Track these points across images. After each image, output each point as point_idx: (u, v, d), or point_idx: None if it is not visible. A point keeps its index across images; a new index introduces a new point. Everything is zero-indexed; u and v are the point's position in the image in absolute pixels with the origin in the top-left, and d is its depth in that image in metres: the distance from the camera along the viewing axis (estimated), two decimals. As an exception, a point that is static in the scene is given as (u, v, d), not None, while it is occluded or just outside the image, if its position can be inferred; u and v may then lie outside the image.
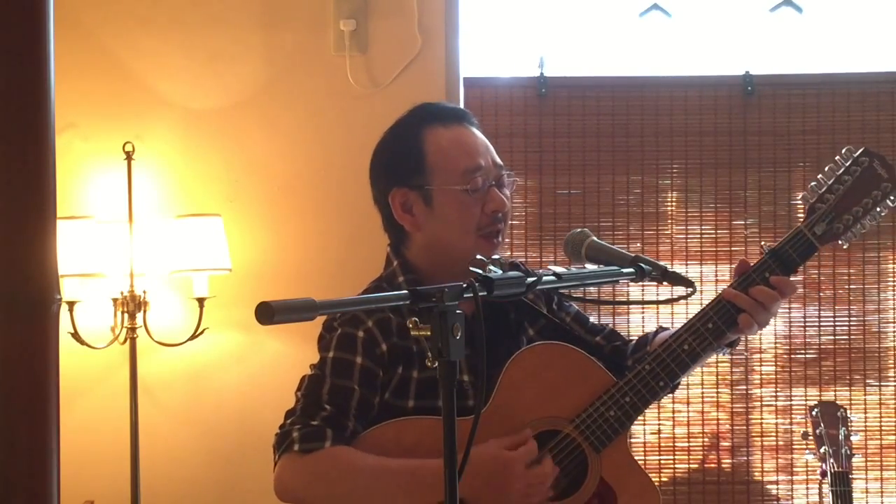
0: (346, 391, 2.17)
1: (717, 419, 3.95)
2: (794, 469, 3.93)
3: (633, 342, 2.46)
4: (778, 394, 3.95)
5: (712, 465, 3.95)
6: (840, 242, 2.28)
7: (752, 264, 2.26)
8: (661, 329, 2.46)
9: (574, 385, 2.23)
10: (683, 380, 2.34)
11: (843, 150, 2.29)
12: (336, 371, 2.18)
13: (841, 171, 2.27)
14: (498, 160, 2.29)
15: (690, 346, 2.23)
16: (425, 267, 2.28)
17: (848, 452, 2.91)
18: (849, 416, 2.99)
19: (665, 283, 2.15)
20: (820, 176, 2.28)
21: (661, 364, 2.23)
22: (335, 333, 2.22)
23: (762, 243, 2.32)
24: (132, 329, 3.60)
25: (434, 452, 1.85)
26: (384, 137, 2.34)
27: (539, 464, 2.16)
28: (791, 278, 2.25)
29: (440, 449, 1.58)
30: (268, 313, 1.43)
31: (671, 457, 3.93)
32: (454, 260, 2.19)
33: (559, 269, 1.93)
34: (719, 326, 2.23)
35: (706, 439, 3.94)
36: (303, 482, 2.13)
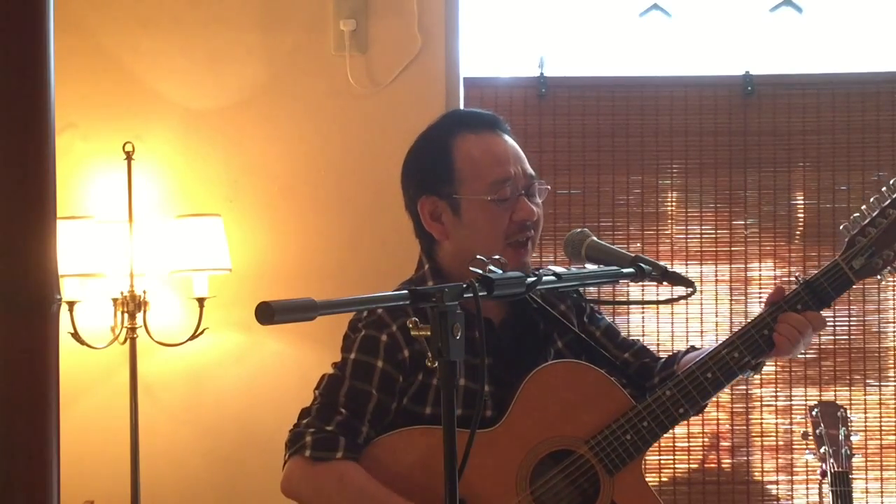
0: (364, 395, 2.15)
1: (717, 419, 3.94)
2: (794, 469, 3.92)
3: (662, 360, 2.42)
4: (778, 394, 3.95)
5: (712, 465, 3.94)
6: (878, 277, 2.23)
7: (786, 293, 2.23)
8: (691, 349, 2.44)
9: (592, 406, 2.21)
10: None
11: (892, 182, 2.22)
12: (356, 373, 2.17)
13: (887, 203, 2.19)
14: (528, 169, 2.26)
15: (714, 375, 2.21)
16: (456, 273, 2.24)
17: (848, 452, 2.91)
18: (849, 416, 2.98)
19: (665, 283, 2.15)
20: (863, 207, 2.22)
21: (683, 391, 2.21)
22: (359, 335, 2.20)
23: (796, 274, 2.26)
24: (132, 329, 3.60)
25: None
26: (414, 145, 2.31)
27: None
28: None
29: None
30: (268, 313, 1.43)
31: (671, 457, 3.93)
32: None
33: (559, 269, 1.93)
34: (744, 356, 2.21)
35: (706, 439, 3.94)
36: (308, 490, 2.14)
